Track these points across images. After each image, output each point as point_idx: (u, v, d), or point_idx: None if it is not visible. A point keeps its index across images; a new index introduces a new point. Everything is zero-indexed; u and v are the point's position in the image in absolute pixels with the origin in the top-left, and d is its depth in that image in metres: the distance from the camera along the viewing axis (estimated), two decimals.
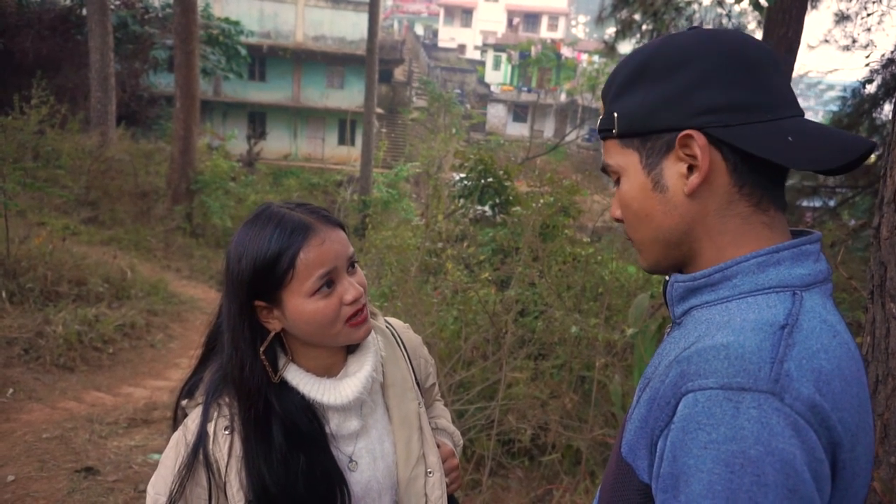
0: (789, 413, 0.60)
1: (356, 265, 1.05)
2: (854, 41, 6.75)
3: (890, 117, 1.71)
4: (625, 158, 0.77)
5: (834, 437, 0.62)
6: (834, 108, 6.71)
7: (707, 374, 0.63)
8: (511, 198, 6.29)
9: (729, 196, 0.72)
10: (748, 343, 0.64)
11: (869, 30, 6.62)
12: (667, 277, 0.80)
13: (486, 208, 6.45)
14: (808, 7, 5.31)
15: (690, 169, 0.72)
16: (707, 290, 0.74)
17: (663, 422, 0.67)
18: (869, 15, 6.49)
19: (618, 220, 0.84)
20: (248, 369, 1.00)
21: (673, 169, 0.73)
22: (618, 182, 0.80)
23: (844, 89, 6.49)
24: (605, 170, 0.82)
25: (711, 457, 0.60)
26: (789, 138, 0.69)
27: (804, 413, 0.60)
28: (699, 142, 0.70)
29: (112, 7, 13.02)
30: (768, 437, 0.59)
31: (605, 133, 0.79)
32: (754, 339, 0.64)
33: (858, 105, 6.04)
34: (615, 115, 0.76)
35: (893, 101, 1.63)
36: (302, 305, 0.98)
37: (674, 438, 0.64)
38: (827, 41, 6.98)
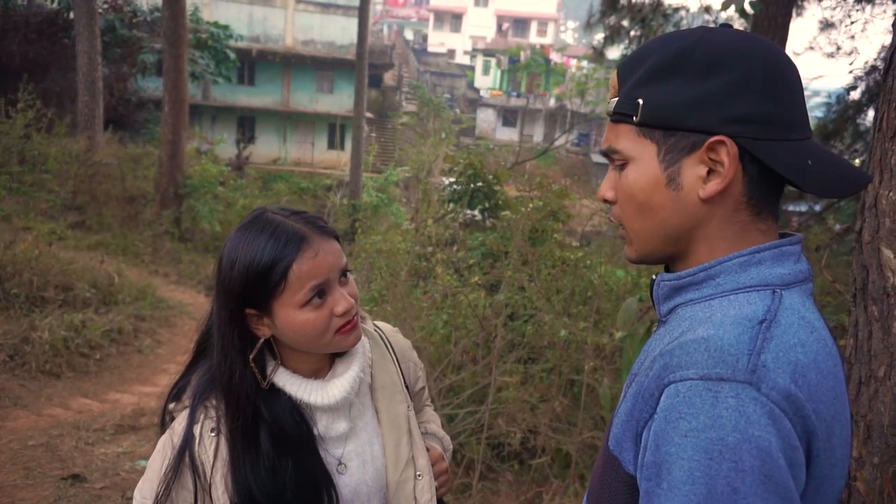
0: (765, 402, 0.62)
1: (349, 275, 1.05)
2: (838, 48, 6.85)
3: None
4: (640, 148, 0.75)
5: (808, 426, 0.65)
6: (819, 114, 6.79)
7: (688, 365, 0.66)
8: (501, 202, 6.32)
9: (737, 205, 0.73)
10: (727, 336, 0.66)
11: (853, 37, 6.73)
12: (654, 276, 0.82)
13: (476, 212, 6.47)
14: (794, 15, 5.39)
15: (708, 172, 0.72)
16: (691, 288, 0.76)
17: (647, 413, 0.69)
18: (853, 23, 6.59)
19: (607, 202, 0.82)
20: (238, 377, 1.00)
21: (692, 170, 0.72)
22: (621, 167, 0.78)
23: (829, 96, 6.58)
24: (608, 153, 0.79)
25: (691, 444, 0.62)
26: (809, 161, 0.71)
27: (780, 402, 0.63)
28: (731, 151, 0.70)
29: (100, 11, 12.94)
30: (745, 424, 0.61)
31: (621, 117, 0.76)
32: (733, 332, 0.66)
33: (843, 111, 6.13)
34: (640, 101, 0.74)
35: (875, 107, 1.66)
36: (292, 316, 0.98)
37: (656, 428, 0.66)
38: (812, 48, 7.08)
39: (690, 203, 0.74)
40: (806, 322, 0.70)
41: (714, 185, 0.72)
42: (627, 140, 0.76)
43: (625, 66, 0.78)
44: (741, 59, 0.71)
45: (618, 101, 0.77)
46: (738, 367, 0.64)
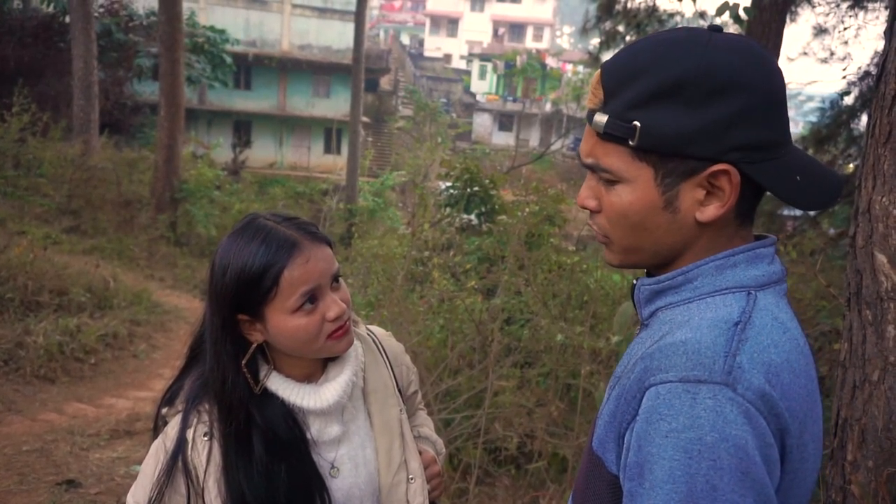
0: (741, 402, 0.64)
1: (340, 280, 1.05)
2: (832, 54, 6.89)
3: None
4: (634, 170, 0.73)
5: (782, 423, 0.67)
6: (813, 119, 6.83)
7: (667, 368, 0.68)
8: (497, 206, 6.33)
9: (727, 221, 0.75)
10: (704, 339, 0.68)
11: (846, 43, 6.76)
12: (634, 281, 0.83)
13: (472, 217, 6.48)
14: (788, 20, 5.42)
15: (706, 193, 0.72)
16: (671, 292, 0.77)
17: (630, 415, 0.71)
18: (846, 28, 6.63)
19: (586, 209, 0.81)
20: (231, 382, 1.00)
21: (690, 193, 0.73)
22: (608, 182, 0.76)
23: (823, 101, 6.61)
24: (594, 168, 0.77)
25: (672, 445, 0.64)
26: (798, 177, 0.73)
27: (755, 402, 0.65)
28: (733, 179, 0.70)
29: (96, 15, 12.92)
30: (723, 424, 0.63)
31: (613, 138, 0.73)
32: (710, 335, 0.68)
33: (836, 116, 6.16)
34: (636, 124, 0.71)
35: (869, 113, 1.68)
36: (284, 322, 0.99)
37: (638, 430, 0.68)
38: (806, 53, 7.11)
39: (685, 224, 0.74)
40: (779, 323, 0.72)
41: (714, 210, 0.72)
42: (620, 161, 0.74)
43: (613, 76, 0.74)
44: (743, 86, 0.69)
45: (609, 119, 0.73)
46: (714, 369, 0.66)
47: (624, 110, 0.72)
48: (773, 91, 0.71)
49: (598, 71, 0.77)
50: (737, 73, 0.69)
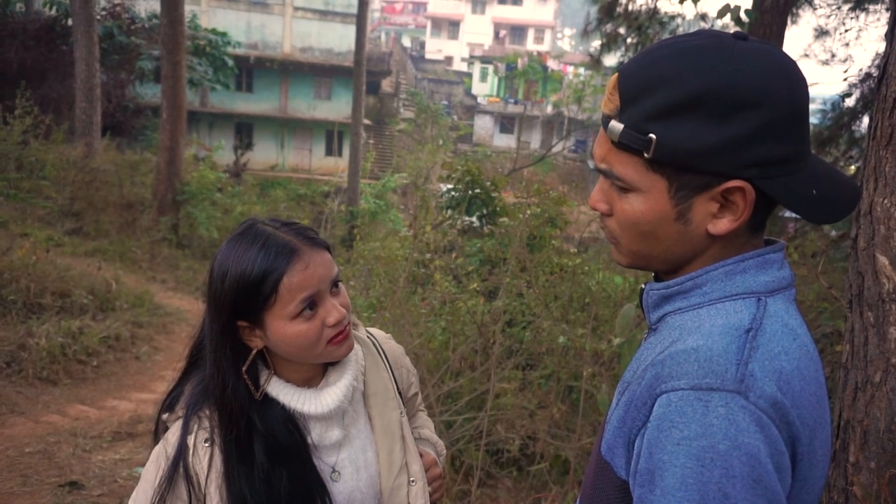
0: (754, 410, 0.64)
1: (340, 285, 1.05)
2: (833, 56, 6.89)
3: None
4: (648, 181, 0.73)
5: (793, 431, 0.67)
6: (815, 120, 6.83)
7: (679, 375, 0.67)
8: (498, 209, 6.33)
9: (738, 231, 0.74)
10: (716, 346, 0.68)
11: (847, 45, 6.77)
12: (642, 285, 0.83)
13: (474, 219, 6.48)
14: (789, 22, 5.42)
15: (720, 206, 0.72)
16: (679, 297, 0.77)
17: (640, 422, 0.71)
18: (847, 31, 6.63)
19: (597, 211, 0.80)
20: (231, 389, 1.00)
21: (703, 206, 0.72)
22: (621, 189, 0.75)
23: (824, 102, 6.60)
24: (607, 174, 0.76)
25: (684, 452, 0.64)
26: (814, 191, 0.72)
27: (767, 410, 0.65)
28: (748, 196, 0.69)
29: (98, 17, 12.96)
30: (735, 432, 0.63)
31: (628, 148, 0.72)
32: (721, 342, 0.68)
33: (838, 118, 6.16)
34: (653, 138, 0.69)
35: (870, 115, 1.69)
36: (284, 328, 0.98)
37: (650, 436, 0.68)
38: (807, 55, 7.12)
39: (697, 236, 0.74)
40: (789, 329, 0.72)
41: (727, 224, 0.72)
42: (633, 171, 0.73)
43: (631, 83, 0.73)
44: (766, 101, 0.67)
45: (625, 129, 0.71)
46: (726, 376, 0.65)
47: (641, 121, 0.71)
48: (796, 104, 0.69)
49: (615, 75, 0.75)
50: (760, 88, 0.67)
